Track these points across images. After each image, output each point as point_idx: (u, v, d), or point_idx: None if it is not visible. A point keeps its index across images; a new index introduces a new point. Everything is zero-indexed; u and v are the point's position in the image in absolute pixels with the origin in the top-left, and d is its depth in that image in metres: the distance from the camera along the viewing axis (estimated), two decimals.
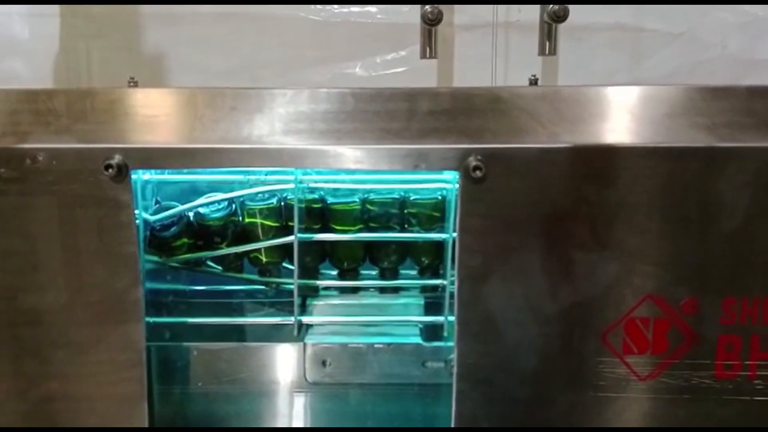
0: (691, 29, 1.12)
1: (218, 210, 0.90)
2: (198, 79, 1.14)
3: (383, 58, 1.14)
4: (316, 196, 0.90)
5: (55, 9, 1.14)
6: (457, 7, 1.12)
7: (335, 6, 1.12)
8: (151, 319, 0.82)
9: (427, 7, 0.90)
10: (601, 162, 0.75)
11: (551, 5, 0.94)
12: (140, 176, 0.83)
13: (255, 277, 0.92)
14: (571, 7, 0.93)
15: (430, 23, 0.91)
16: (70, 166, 0.76)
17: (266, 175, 0.87)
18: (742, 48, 1.11)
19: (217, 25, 1.12)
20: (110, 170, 0.75)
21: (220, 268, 0.92)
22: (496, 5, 1.12)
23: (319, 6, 1.13)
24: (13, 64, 1.15)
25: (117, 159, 0.75)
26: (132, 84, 0.89)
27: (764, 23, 1.11)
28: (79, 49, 1.15)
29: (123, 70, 1.12)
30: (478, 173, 0.74)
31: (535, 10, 0.98)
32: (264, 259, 0.91)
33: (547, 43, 0.97)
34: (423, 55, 0.93)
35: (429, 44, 0.93)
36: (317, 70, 1.13)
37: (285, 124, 0.78)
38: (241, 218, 0.90)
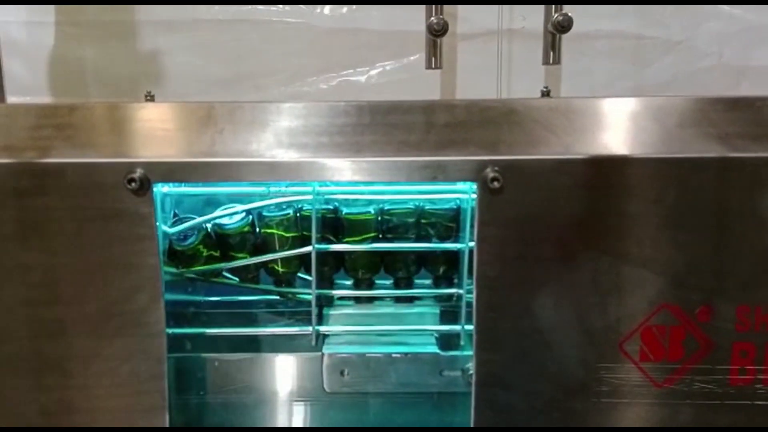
0: (688, 38, 1.15)
1: (235, 221, 0.91)
2: (201, 87, 1.15)
3: (387, 66, 1.16)
4: (331, 206, 0.91)
5: (54, 17, 1.15)
6: (459, 16, 1.14)
7: (339, 14, 1.14)
8: (171, 331, 0.82)
9: (433, 18, 0.90)
10: (615, 172, 0.77)
11: (555, 15, 0.95)
12: (160, 189, 0.84)
13: (272, 287, 0.93)
14: (572, 15, 0.95)
15: (436, 34, 0.91)
16: (92, 180, 0.77)
17: (286, 186, 0.88)
18: (738, 56, 1.14)
19: (219, 33, 1.14)
20: (133, 184, 0.76)
21: (236, 279, 0.93)
22: (500, 12, 1.14)
23: (323, 14, 1.14)
24: (12, 72, 1.15)
25: (139, 173, 0.76)
26: (148, 98, 0.90)
27: (758, 32, 1.14)
28: (82, 57, 1.16)
29: (125, 79, 1.14)
30: (496, 184, 0.75)
31: (536, 17, 0.99)
32: (280, 270, 0.92)
33: (551, 53, 0.97)
34: (428, 66, 0.93)
35: (434, 54, 0.93)
36: (321, 78, 1.15)
37: (304, 137, 0.79)
38: (258, 229, 0.91)
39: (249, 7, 1.13)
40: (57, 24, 1.15)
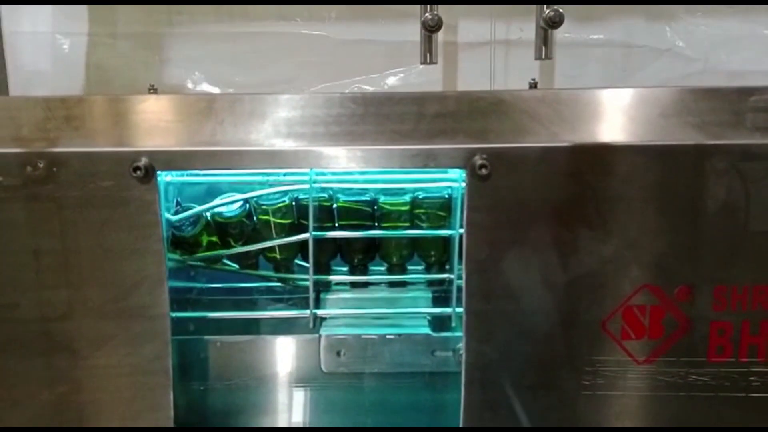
0: (676, 45, 1.20)
1: (234, 209, 0.95)
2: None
3: (394, 72, 1.21)
4: (326, 195, 0.95)
5: (84, 27, 1.20)
6: (460, 25, 1.19)
7: (351, 26, 1.19)
8: (175, 314, 0.86)
9: (427, 14, 0.93)
10: (598, 159, 0.80)
11: (547, 11, 0.98)
12: (163, 178, 0.87)
13: (271, 273, 0.96)
14: (567, 25, 0.98)
15: (430, 29, 0.94)
16: (99, 169, 0.81)
17: (284, 175, 0.92)
18: (722, 61, 1.20)
19: (243, 44, 1.21)
20: (138, 172, 0.80)
21: (236, 266, 0.97)
22: (492, 25, 1.19)
23: (337, 26, 1.20)
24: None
25: (144, 161, 0.80)
26: (152, 91, 0.93)
27: (740, 39, 1.19)
28: (111, 66, 1.21)
29: (158, 85, 1.20)
30: (484, 171, 0.79)
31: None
32: (279, 257, 0.96)
33: (544, 48, 0.99)
34: (423, 61, 0.96)
35: (429, 50, 0.96)
36: (335, 84, 1.22)
37: (301, 127, 0.82)
38: (255, 217, 0.95)
39: (269, 20, 1.20)
40: (94, 35, 1.21)
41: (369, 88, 1.22)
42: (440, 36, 0.96)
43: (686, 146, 0.80)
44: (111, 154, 0.81)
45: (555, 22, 0.97)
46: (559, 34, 1.07)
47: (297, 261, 0.98)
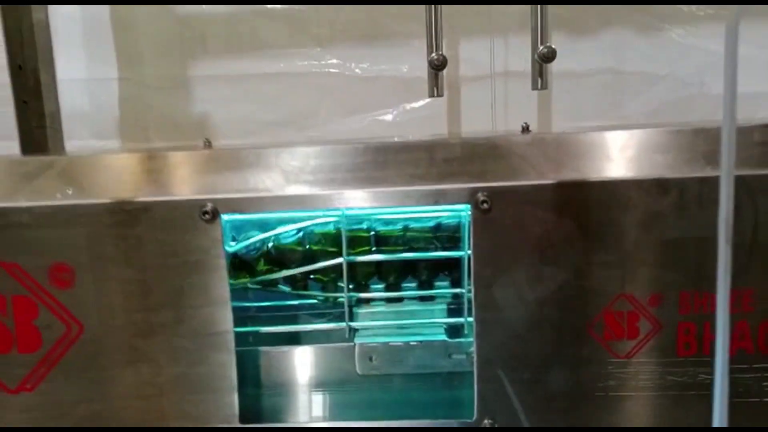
0: (673, 71, 1.33)
1: (289, 239, 1.13)
2: (250, 128, 1.37)
3: (409, 106, 1.37)
4: (365, 226, 1.13)
5: (113, 72, 1.37)
6: (462, 58, 1.36)
7: (367, 64, 1.35)
8: (237, 329, 1.04)
9: (433, 54, 1.08)
10: (579, 193, 0.97)
11: (540, 48, 1.13)
12: (224, 218, 1.06)
13: (317, 293, 1.15)
14: (564, 56, 1.12)
15: (436, 68, 1.09)
16: (174, 214, 1.00)
17: (323, 214, 1.10)
18: (716, 84, 1.31)
19: (266, 84, 1.35)
20: (206, 215, 0.99)
21: (288, 288, 1.16)
22: (492, 56, 1.35)
23: (354, 64, 1.35)
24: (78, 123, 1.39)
25: (210, 206, 0.99)
26: (207, 145, 1.13)
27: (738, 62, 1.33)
28: (140, 106, 1.38)
29: (182, 124, 1.36)
30: (485, 206, 0.97)
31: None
32: (325, 278, 1.14)
33: (539, 80, 1.12)
34: (431, 94, 1.09)
35: (436, 85, 1.10)
36: (354, 118, 1.36)
37: (333, 174, 1.01)
38: (307, 246, 1.13)
39: (290, 59, 1.35)
40: (127, 79, 1.38)
41: (384, 119, 1.37)
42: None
43: (651, 180, 0.97)
44: (184, 201, 1.00)
45: (548, 58, 1.11)
46: None
47: (340, 283, 1.16)
